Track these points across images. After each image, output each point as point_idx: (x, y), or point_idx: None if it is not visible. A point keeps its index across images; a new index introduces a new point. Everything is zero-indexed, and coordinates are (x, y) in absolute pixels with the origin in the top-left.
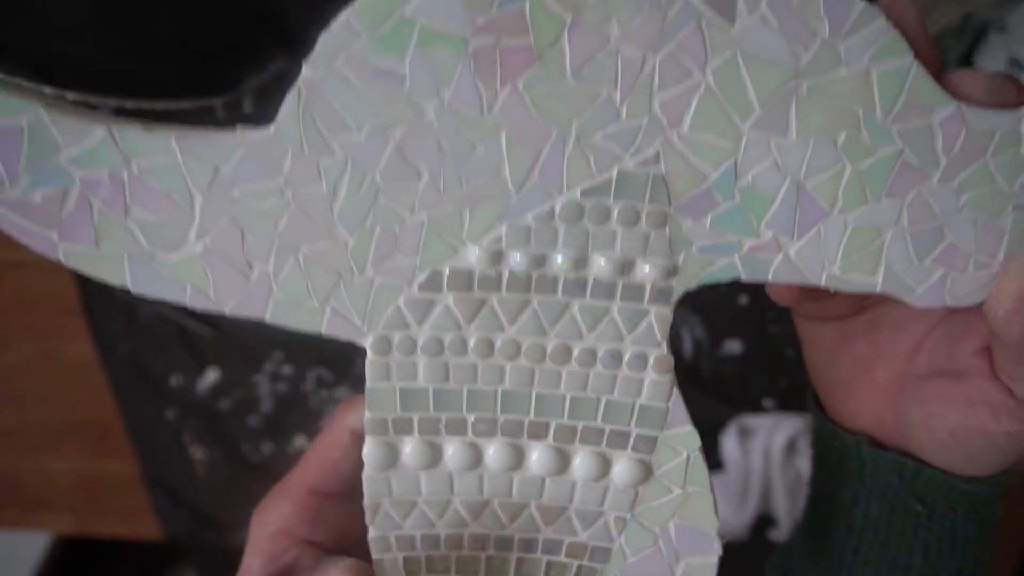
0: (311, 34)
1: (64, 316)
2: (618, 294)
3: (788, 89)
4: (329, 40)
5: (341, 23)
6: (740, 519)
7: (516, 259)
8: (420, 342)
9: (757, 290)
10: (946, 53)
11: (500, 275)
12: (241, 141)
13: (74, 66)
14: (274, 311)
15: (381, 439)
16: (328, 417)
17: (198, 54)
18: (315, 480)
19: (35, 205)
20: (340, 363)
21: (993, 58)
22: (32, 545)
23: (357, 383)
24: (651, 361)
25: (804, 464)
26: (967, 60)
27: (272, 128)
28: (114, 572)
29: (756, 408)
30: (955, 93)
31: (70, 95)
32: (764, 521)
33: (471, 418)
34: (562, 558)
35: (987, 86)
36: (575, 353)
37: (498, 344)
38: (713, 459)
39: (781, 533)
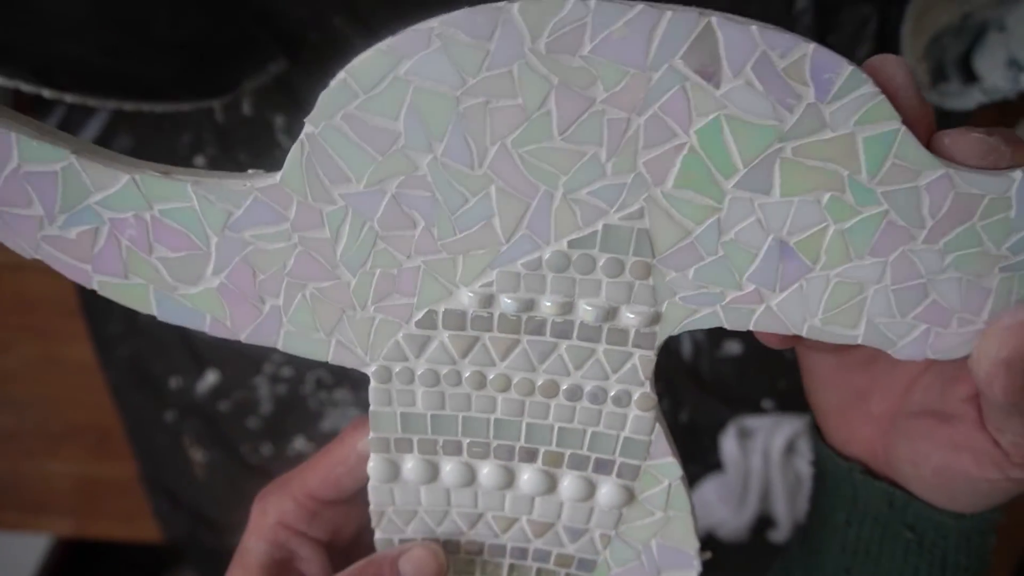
0: (310, 36)
1: (64, 318)
2: (603, 338)
3: (772, 151)
4: (328, 98)
5: (339, 82)
6: (740, 520)
7: (506, 303)
8: (418, 373)
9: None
10: (945, 53)
11: (492, 316)
12: (251, 189)
13: (73, 67)
14: (285, 341)
15: (384, 456)
16: (327, 419)
17: (197, 55)
18: (317, 488)
19: (71, 241)
20: (339, 365)
21: (992, 58)
22: (32, 547)
23: (356, 385)
24: (635, 398)
25: (803, 465)
26: (966, 60)
27: (278, 177)
28: (114, 574)
29: (755, 409)
30: (947, 154)
31: (69, 97)
32: (763, 522)
33: (466, 441)
34: (551, 566)
35: (980, 150)
36: (563, 388)
37: (490, 377)
38: (713, 460)
39: (780, 534)
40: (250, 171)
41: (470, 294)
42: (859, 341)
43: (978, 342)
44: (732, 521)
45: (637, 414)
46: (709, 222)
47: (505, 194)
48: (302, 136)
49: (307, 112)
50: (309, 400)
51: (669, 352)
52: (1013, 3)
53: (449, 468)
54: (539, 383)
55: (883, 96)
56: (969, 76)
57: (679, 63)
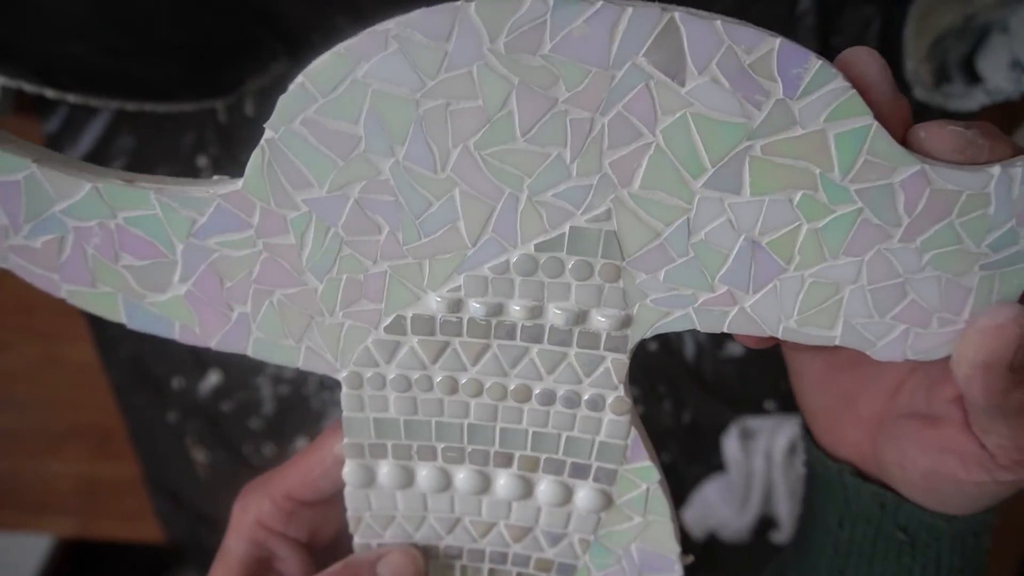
0: (312, 35)
1: (65, 319)
2: (575, 341)
3: (741, 149)
4: (287, 102)
5: (297, 86)
6: (742, 520)
7: (475, 307)
8: (389, 378)
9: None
10: (948, 54)
11: (461, 321)
12: (214, 195)
13: (76, 67)
14: (255, 348)
15: (359, 461)
16: (329, 420)
17: (199, 55)
18: (294, 489)
19: (37, 250)
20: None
21: (995, 59)
22: (34, 547)
23: None
24: (609, 402)
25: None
26: (969, 61)
27: (240, 183)
28: (115, 574)
29: (758, 410)
30: (923, 148)
31: (71, 97)
32: (766, 523)
33: (440, 446)
34: (531, 570)
35: (957, 144)
36: (535, 393)
37: (462, 382)
38: (715, 460)
39: (783, 535)
40: (215, 177)
41: (438, 299)
42: (837, 342)
43: (956, 344)
44: (734, 522)
45: (612, 418)
46: (678, 223)
47: (469, 197)
48: (262, 141)
49: None
50: (311, 400)
51: (671, 353)
52: (1016, 5)
53: (424, 473)
54: (511, 388)
55: (854, 91)
56: (972, 77)
57: (642, 61)
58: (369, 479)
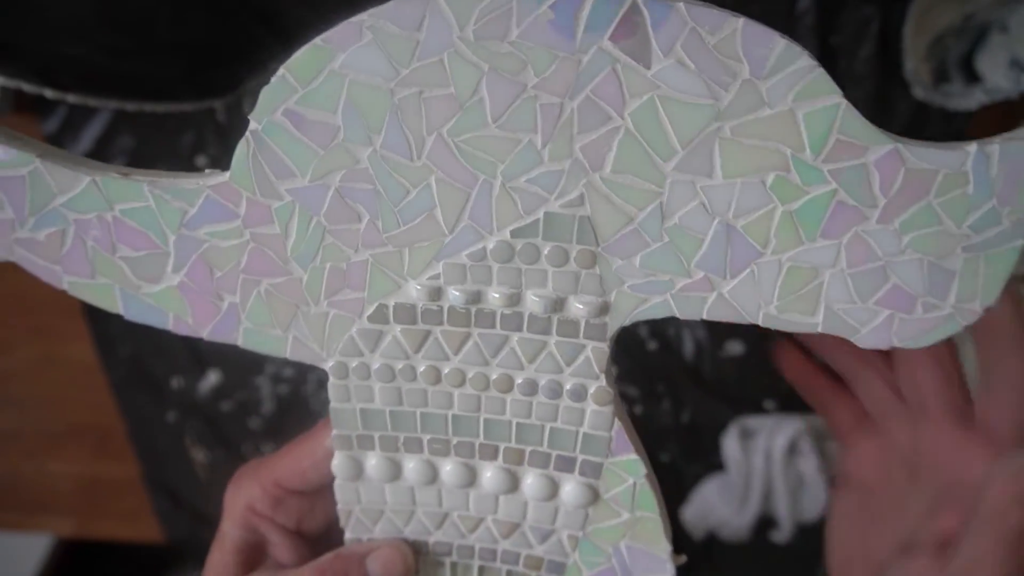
0: (311, 35)
1: (65, 318)
2: (554, 329)
3: (711, 131)
4: (269, 94)
5: (278, 78)
6: (741, 520)
7: (454, 295)
8: (374, 368)
9: None
10: (947, 53)
11: (441, 309)
12: (203, 187)
13: (75, 67)
14: (244, 338)
15: (347, 453)
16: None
17: (199, 55)
18: (283, 477)
19: (40, 243)
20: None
21: (994, 58)
22: (33, 547)
23: None
24: (591, 392)
25: (805, 465)
26: (968, 60)
27: (227, 175)
28: (115, 574)
29: (757, 409)
30: None
31: (71, 97)
32: (765, 522)
33: (426, 438)
34: (520, 568)
35: None
36: (517, 382)
37: (445, 372)
38: (714, 460)
39: (782, 534)
40: (206, 170)
41: (418, 287)
42: (819, 329)
43: None
44: (734, 521)
45: (595, 408)
46: (651, 207)
47: (445, 184)
48: (247, 133)
49: None
50: (311, 400)
51: (670, 352)
52: (1016, 4)
53: (411, 466)
54: (493, 377)
55: (821, 69)
56: (971, 76)
57: (608, 44)
58: (357, 471)
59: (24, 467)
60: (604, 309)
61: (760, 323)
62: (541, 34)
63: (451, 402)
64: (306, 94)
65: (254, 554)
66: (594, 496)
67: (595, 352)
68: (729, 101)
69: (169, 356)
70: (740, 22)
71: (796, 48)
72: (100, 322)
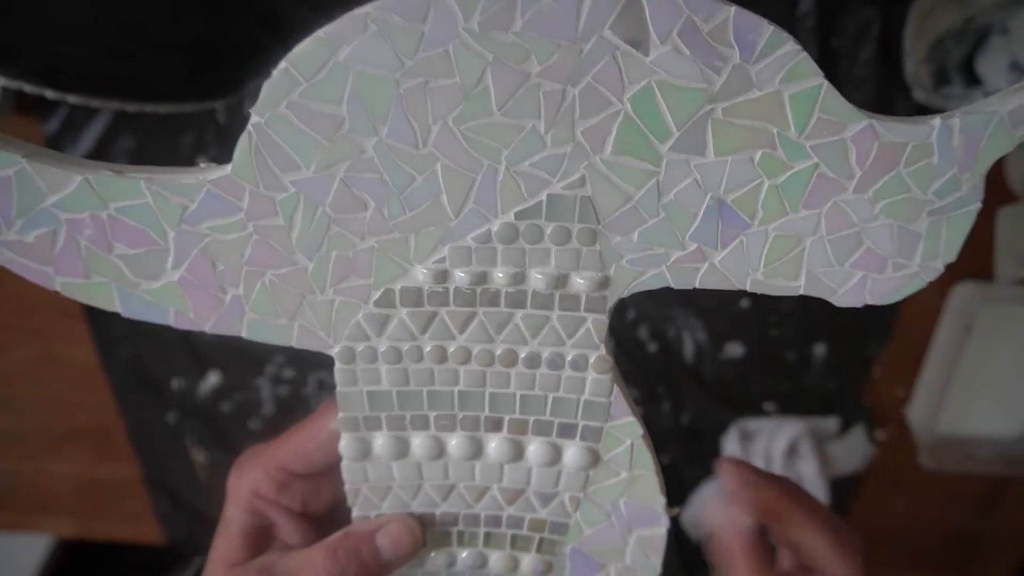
0: (312, 35)
1: (65, 319)
2: (556, 304)
3: (704, 112)
4: (272, 88)
5: (281, 72)
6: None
7: (460, 277)
8: (380, 351)
9: (758, 294)
10: (948, 56)
11: (447, 291)
12: (203, 182)
13: (76, 68)
14: (249, 329)
15: (354, 435)
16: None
17: (199, 56)
18: (287, 461)
19: (30, 245)
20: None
21: (994, 61)
22: (33, 548)
23: None
24: (591, 362)
25: (805, 467)
26: (969, 63)
27: (229, 168)
28: (115, 575)
29: (757, 411)
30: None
31: (72, 98)
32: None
33: (433, 415)
34: (525, 531)
35: None
36: (521, 356)
37: (451, 351)
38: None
39: None
40: (202, 165)
41: (424, 271)
42: (801, 291)
43: None
44: None
45: (595, 377)
46: (648, 185)
47: (451, 171)
48: (249, 127)
49: None
50: (311, 401)
51: (671, 354)
52: (1016, 7)
53: (418, 442)
54: (498, 353)
55: (804, 54)
56: (972, 79)
57: (608, 33)
58: (365, 451)
59: (24, 468)
60: (604, 283)
61: (748, 288)
62: (544, 24)
63: (457, 379)
64: (310, 87)
65: (260, 537)
66: (595, 459)
67: (595, 324)
68: (721, 84)
69: (169, 357)
70: (732, 10)
71: (783, 34)
72: (100, 324)
